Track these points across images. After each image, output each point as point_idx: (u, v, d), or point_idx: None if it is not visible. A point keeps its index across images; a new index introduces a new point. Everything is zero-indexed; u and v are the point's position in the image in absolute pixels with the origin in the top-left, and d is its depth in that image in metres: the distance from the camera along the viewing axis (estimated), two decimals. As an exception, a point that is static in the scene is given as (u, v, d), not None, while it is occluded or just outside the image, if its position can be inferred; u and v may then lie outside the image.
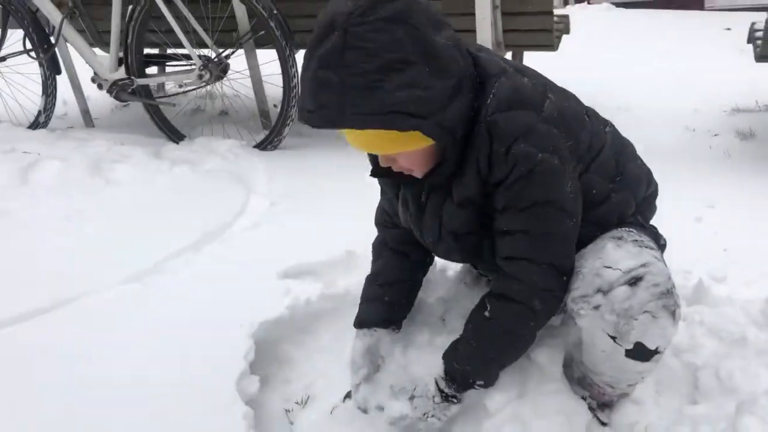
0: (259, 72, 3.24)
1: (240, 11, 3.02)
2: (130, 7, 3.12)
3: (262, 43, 3.13)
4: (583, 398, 1.45)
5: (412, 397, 1.46)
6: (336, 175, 2.81)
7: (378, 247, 1.70)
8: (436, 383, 1.43)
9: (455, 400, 1.42)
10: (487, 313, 1.37)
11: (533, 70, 1.41)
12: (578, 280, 1.31)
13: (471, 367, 1.39)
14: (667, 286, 1.27)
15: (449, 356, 1.43)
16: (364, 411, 1.52)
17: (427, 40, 1.15)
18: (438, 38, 1.16)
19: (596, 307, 1.27)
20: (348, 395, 1.58)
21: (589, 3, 6.23)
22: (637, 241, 1.33)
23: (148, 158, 3.04)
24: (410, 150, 1.26)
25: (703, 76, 4.12)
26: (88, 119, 3.82)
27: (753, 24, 3.33)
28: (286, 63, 3.00)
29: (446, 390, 1.42)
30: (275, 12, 2.92)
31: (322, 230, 2.23)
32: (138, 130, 3.56)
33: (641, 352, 1.28)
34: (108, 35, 3.28)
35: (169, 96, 3.41)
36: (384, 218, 1.66)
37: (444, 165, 1.30)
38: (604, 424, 1.45)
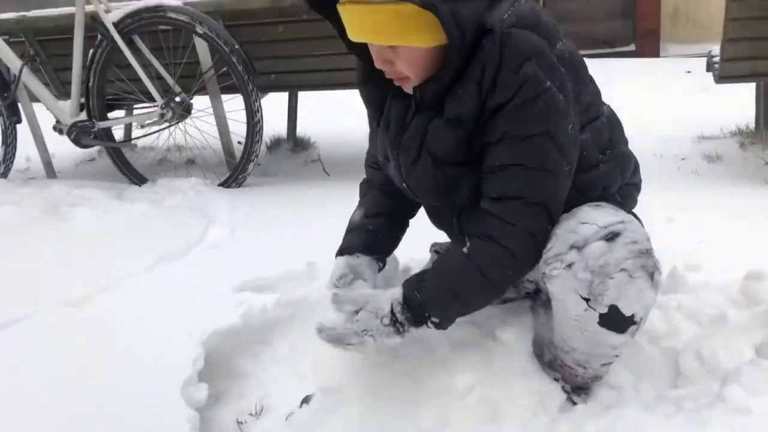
0: (223, 111, 3.20)
1: (202, 48, 3.01)
2: (91, 50, 3.10)
3: (226, 88, 3.11)
4: (556, 380, 1.34)
5: (356, 311, 1.34)
6: (300, 205, 2.75)
7: (364, 185, 1.65)
8: (392, 306, 1.31)
9: (401, 329, 1.31)
10: (465, 250, 1.27)
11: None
12: (552, 240, 1.22)
13: (433, 299, 1.29)
14: (646, 246, 1.19)
15: (412, 284, 1.32)
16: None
17: None
18: None
19: (569, 265, 1.18)
20: (305, 400, 1.46)
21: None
22: (614, 207, 1.26)
23: (108, 200, 2.95)
24: (413, 45, 1.20)
25: (668, 110, 4.18)
26: (50, 171, 3.73)
27: (710, 52, 3.40)
28: (249, 98, 2.97)
29: (399, 316, 1.30)
30: (237, 47, 2.92)
31: (282, 248, 2.15)
32: (102, 179, 3.49)
33: (616, 320, 1.19)
34: (70, 86, 3.25)
35: (132, 139, 3.36)
36: (371, 160, 1.61)
37: (443, 71, 1.22)
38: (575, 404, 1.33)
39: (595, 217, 1.20)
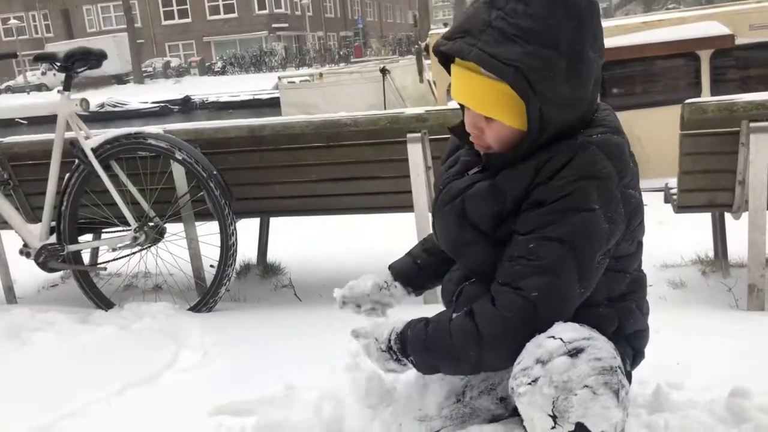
0: (196, 235, 3.20)
1: (179, 174, 3.06)
2: (67, 175, 3.12)
3: (199, 214, 3.14)
4: None
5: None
6: (272, 329, 2.70)
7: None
8: (390, 334, 1.44)
9: (394, 357, 1.43)
10: (453, 314, 1.35)
11: None
12: (522, 353, 1.24)
13: (413, 343, 1.39)
14: (610, 363, 1.20)
15: (412, 322, 1.44)
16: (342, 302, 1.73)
17: (584, 47, 1.23)
18: (590, 52, 1.25)
19: (534, 380, 1.18)
20: None
21: None
22: (583, 325, 1.28)
23: (72, 324, 2.86)
24: (501, 122, 1.30)
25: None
26: (11, 297, 3.62)
27: (667, 184, 3.57)
28: (224, 222, 2.99)
29: (392, 344, 1.43)
30: (215, 173, 2.97)
31: (257, 370, 2.09)
32: (66, 304, 3.40)
33: None
34: (41, 212, 3.23)
35: (102, 263, 3.30)
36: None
37: (513, 152, 1.32)
38: None
39: (562, 331, 1.22)
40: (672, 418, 1.56)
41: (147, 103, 29.65)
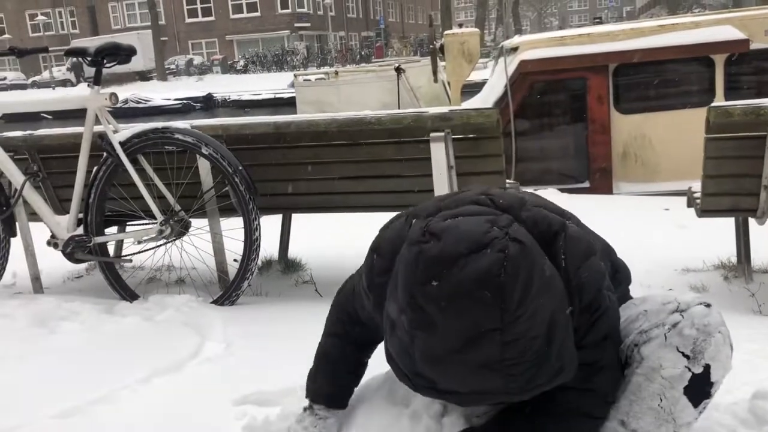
0: (220, 229, 3.24)
1: (204, 169, 3.10)
2: (95, 168, 3.17)
3: (224, 210, 3.18)
4: None
5: None
6: (295, 323, 2.73)
7: (337, 325, 1.69)
8: None
9: None
10: (526, 410, 1.35)
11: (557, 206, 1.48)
12: (640, 320, 1.36)
13: None
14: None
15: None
16: None
17: (555, 280, 1.20)
18: (549, 267, 1.20)
19: (674, 325, 1.30)
20: None
21: (535, 190, 6.75)
22: None
23: (98, 314, 2.91)
24: None
25: (650, 245, 4.29)
26: (38, 286, 3.68)
27: (690, 188, 3.55)
28: (249, 216, 3.03)
29: None
30: (240, 168, 3.01)
31: (281, 362, 2.11)
32: (90, 294, 3.45)
33: (701, 386, 1.29)
34: (69, 204, 3.29)
35: (128, 255, 3.36)
36: (348, 308, 1.67)
37: None
38: None
39: (681, 294, 1.38)
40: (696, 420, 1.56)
41: (170, 99, 29.91)
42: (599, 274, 1.31)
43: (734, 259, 3.61)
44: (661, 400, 1.30)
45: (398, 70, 9.65)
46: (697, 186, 3.33)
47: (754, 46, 6.77)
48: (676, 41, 6.94)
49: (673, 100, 7.13)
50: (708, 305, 1.33)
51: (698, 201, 3.27)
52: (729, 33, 6.83)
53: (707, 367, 1.29)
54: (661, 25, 7.23)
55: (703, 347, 1.28)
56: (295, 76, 13.00)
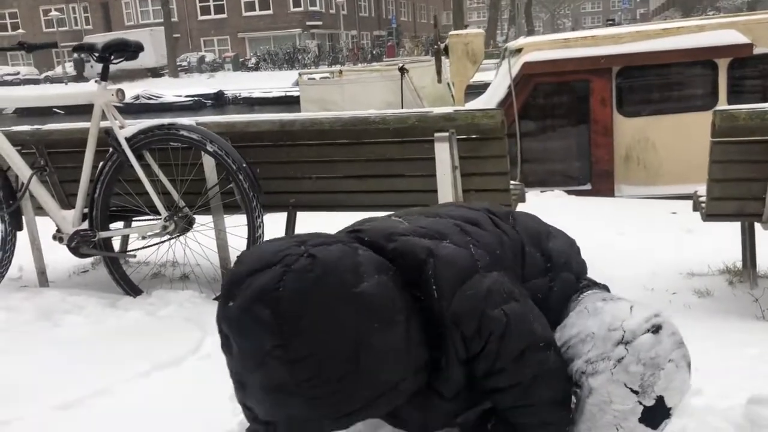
0: (224, 226, 3.26)
1: (209, 165, 3.12)
2: (101, 163, 3.19)
3: (228, 207, 3.20)
4: None
5: None
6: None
7: None
8: None
9: None
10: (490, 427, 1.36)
11: (439, 210, 1.46)
12: (588, 343, 1.28)
13: None
14: (681, 337, 1.26)
15: None
16: None
17: (364, 298, 1.11)
18: (367, 286, 1.13)
19: (619, 360, 1.22)
20: None
21: (541, 192, 6.80)
22: (617, 297, 1.32)
23: (102, 308, 2.94)
24: None
25: (655, 249, 4.27)
26: (43, 280, 3.71)
27: (696, 192, 3.54)
28: (252, 214, 3.04)
29: None
30: (244, 165, 3.02)
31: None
32: (95, 289, 3.48)
33: (657, 413, 1.23)
34: (75, 198, 3.32)
35: (132, 250, 3.38)
36: None
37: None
38: None
39: (630, 313, 1.27)
40: (689, 423, 1.56)
41: (181, 96, 30.05)
42: (481, 295, 1.23)
43: (740, 264, 3.59)
44: (617, 429, 1.25)
45: (402, 70, 9.65)
46: (702, 190, 3.32)
47: (758, 50, 6.73)
48: (679, 45, 6.91)
49: (676, 103, 7.10)
50: (656, 330, 1.23)
51: (704, 205, 3.26)
52: (733, 37, 6.78)
53: (660, 398, 1.22)
54: (665, 29, 7.22)
55: (652, 381, 1.21)
56: (300, 74, 13.03)
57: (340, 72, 12.15)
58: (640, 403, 1.22)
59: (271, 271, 1.07)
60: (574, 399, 1.37)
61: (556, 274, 1.45)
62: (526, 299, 1.31)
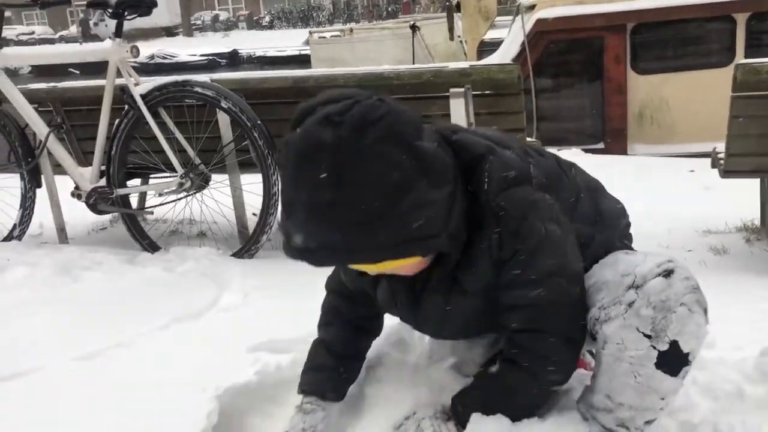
0: (240, 183, 3.27)
1: (224, 122, 3.12)
2: (117, 120, 3.21)
3: (243, 165, 3.20)
4: None
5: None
6: (313, 276, 2.76)
7: (331, 313, 1.62)
8: (442, 408, 1.42)
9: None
10: (493, 370, 1.35)
11: (504, 134, 1.45)
12: (602, 290, 1.27)
13: (473, 415, 1.36)
14: (696, 282, 1.24)
15: (456, 397, 1.42)
16: None
17: (419, 151, 1.12)
18: (426, 145, 1.14)
19: (630, 304, 1.22)
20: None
21: (558, 150, 6.70)
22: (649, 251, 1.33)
23: (120, 264, 2.98)
24: (410, 262, 1.24)
25: (673, 206, 4.25)
26: (63, 237, 3.77)
27: (715, 148, 3.50)
28: (267, 171, 3.05)
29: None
30: (259, 122, 3.02)
31: (297, 312, 2.14)
32: (114, 246, 3.53)
33: (673, 358, 1.22)
34: (92, 156, 3.34)
35: (149, 207, 3.41)
36: (340, 287, 1.60)
37: (447, 261, 1.28)
38: None
39: (644, 259, 1.26)
40: (699, 375, 1.58)
41: (195, 56, 29.90)
42: (527, 202, 1.24)
43: (758, 222, 3.57)
44: (635, 376, 1.24)
45: (413, 28, 9.54)
46: (721, 147, 3.28)
47: None
48: (696, 0, 6.75)
49: (692, 60, 6.97)
50: (668, 274, 1.21)
51: (722, 161, 3.23)
52: None
53: (674, 342, 1.20)
54: None
55: (664, 325, 1.20)
56: (310, 33, 12.90)
57: (351, 30, 12.02)
58: (654, 348, 1.21)
59: (340, 103, 1.12)
60: (591, 355, 1.38)
61: (602, 230, 1.44)
62: (568, 231, 1.30)
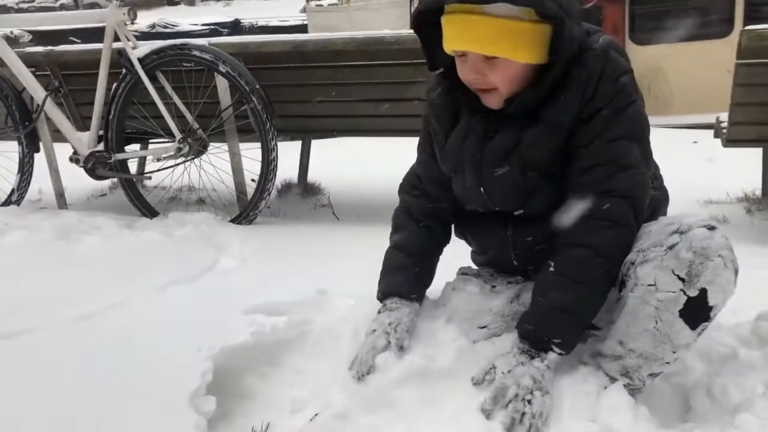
0: (239, 149, 3.25)
1: (222, 87, 3.09)
2: (114, 84, 3.18)
3: (242, 131, 3.18)
4: None
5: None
6: (310, 243, 2.77)
7: (401, 216, 1.68)
8: (517, 347, 1.40)
9: (541, 361, 1.36)
10: (552, 267, 1.37)
11: None
12: (645, 237, 1.32)
13: (544, 324, 1.36)
14: (731, 245, 1.29)
15: (522, 319, 1.42)
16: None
17: None
18: None
19: (671, 247, 1.27)
20: (316, 416, 1.45)
21: None
22: None
23: (119, 229, 2.97)
24: (508, 59, 1.31)
25: (675, 176, 4.20)
26: (62, 202, 3.76)
27: (718, 118, 3.46)
28: (266, 137, 3.03)
29: (532, 353, 1.38)
30: (257, 87, 2.99)
31: (293, 277, 2.15)
32: (113, 211, 3.52)
33: (698, 308, 1.26)
34: (89, 121, 3.31)
35: (147, 172, 3.39)
36: (413, 184, 1.66)
37: (541, 84, 1.34)
38: None
39: (688, 215, 1.33)
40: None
41: (197, 25, 29.52)
42: (630, 81, 1.35)
43: (759, 192, 3.54)
44: (656, 322, 1.27)
45: None
46: (724, 116, 3.25)
47: None
48: None
49: (689, 31, 6.91)
50: (712, 228, 1.28)
51: (725, 130, 3.20)
52: None
53: (704, 291, 1.24)
54: None
55: (699, 271, 1.24)
56: (308, 1, 12.78)
57: None
58: (684, 293, 1.24)
59: None
60: (614, 294, 1.40)
61: (659, 190, 1.56)
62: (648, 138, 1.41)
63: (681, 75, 6.60)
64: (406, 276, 1.59)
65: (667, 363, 1.32)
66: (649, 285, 1.28)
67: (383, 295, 1.60)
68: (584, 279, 1.34)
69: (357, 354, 1.50)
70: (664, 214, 1.61)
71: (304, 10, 14.56)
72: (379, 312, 1.58)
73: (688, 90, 6.45)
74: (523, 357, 1.38)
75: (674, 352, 1.31)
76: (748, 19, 6.64)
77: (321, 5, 12.24)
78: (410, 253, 1.61)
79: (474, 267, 1.77)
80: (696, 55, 6.59)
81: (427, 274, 1.64)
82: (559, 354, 1.36)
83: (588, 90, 1.32)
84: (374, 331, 1.52)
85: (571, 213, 1.37)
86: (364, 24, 9.63)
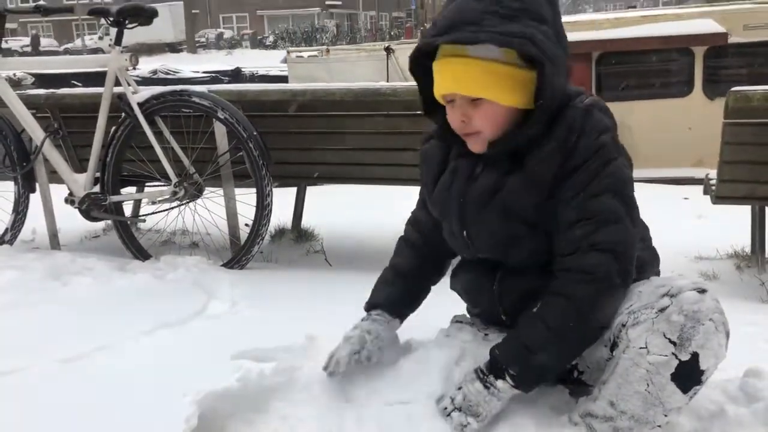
0: (234, 194, 3.28)
1: (220, 133, 3.13)
2: (113, 127, 3.22)
3: (238, 177, 3.21)
4: None
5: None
6: (301, 288, 2.77)
7: (401, 243, 1.77)
8: (477, 370, 1.43)
9: (488, 385, 1.39)
10: (534, 308, 1.38)
11: None
12: (634, 298, 1.33)
13: (506, 352, 1.38)
14: (722, 308, 1.30)
15: (493, 347, 1.44)
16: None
17: (558, 14, 1.38)
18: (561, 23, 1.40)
19: (662, 310, 1.27)
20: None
21: None
22: None
23: (110, 270, 2.97)
24: (494, 102, 1.36)
25: (665, 232, 4.24)
26: (55, 243, 3.76)
27: (707, 175, 3.51)
28: (261, 182, 3.06)
29: (484, 374, 1.41)
30: (255, 134, 3.03)
31: (283, 323, 2.15)
32: (106, 253, 3.52)
33: (690, 373, 1.26)
34: (87, 163, 3.34)
35: (142, 215, 3.41)
36: (415, 219, 1.75)
37: (523, 129, 1.38)
38: None
39: (679, 277, 1.35)
40: (684, 395, 1.56)
41: (198, 72, 29.91)
42: (612, 138, 1.37)
43: (749, 249, 3.57)
44: (648, 385, 1.28)
45: (388, 50, 9.68)
46: (713, 173, 3.30)
47: (732, 39, 6.89)
48: (657, 32, 7.08)
49: (653, 89, 7.26)
50: (702, 291, 1.28)
51: (714, 187, 3.24)
52: (709, 26, 6.97)
53: (695, 355, 1.25)
54: (644, 16, 7.48)
55: (690, 335, 1.24)
56: (288, 52, 13.08)
57: (328, 50, 12.22)
58: (676, 357, 1.24)
59: None
60: (606, 353, 1.40)
61: (646, 250, 1.55)
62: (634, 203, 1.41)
63: (644, 130, 6.84)
64: (394, 292, 1.69)
65: (658, 426, 1.32)
66: (641, 348, 1.28)
67: (369, 306, 1.70)
68: (554, 326, 1.35)
69: (333, 353, 1.62)
70: (655, 273, 1.60)
71: (285, 61, 14.92)
72: (362, 319, 1.68)
73: (651, 144, 6.65)
74: (472, 375, 1.43)
75: (665, 416, 1.31)
76: (706, 81, 7.01)
77: (301, 56, 12.51)
78: (402, 274, 1.71)
79: (468, 316, 1.78)
80: (658, 112, 6.92)
81: (414, 297, 1.72)
82: (513, 387, 1.38)
83: (568, 145, 1.36)
84: (351, 338, 1.61)
85: (557, 265, 1.39)
86: (342, 75, 9.83)
